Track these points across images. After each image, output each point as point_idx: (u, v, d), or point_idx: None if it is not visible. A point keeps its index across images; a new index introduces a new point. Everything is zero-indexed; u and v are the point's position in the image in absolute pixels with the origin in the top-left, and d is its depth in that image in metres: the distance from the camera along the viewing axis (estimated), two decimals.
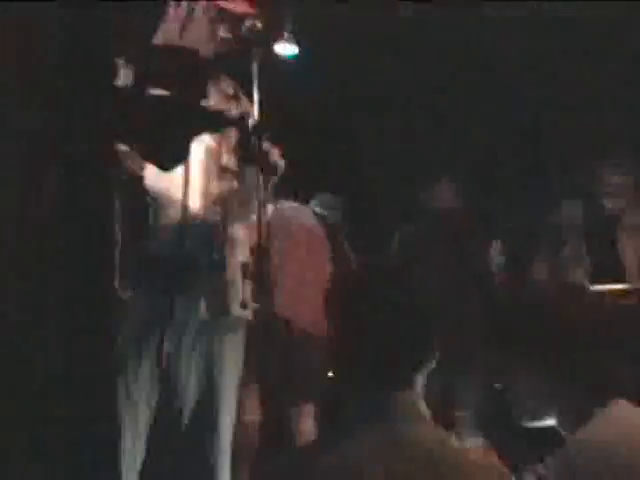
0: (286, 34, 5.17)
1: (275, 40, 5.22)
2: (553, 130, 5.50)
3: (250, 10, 2.49)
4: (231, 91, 2.57)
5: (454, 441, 1.58)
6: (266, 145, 2.30)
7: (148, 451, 2.35)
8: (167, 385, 2.39)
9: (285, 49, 5.24)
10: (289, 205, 4.09)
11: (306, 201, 4.45)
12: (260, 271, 2.11)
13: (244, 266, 2.40)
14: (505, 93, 5.81)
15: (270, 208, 3.94)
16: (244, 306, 2.40)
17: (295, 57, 5.29)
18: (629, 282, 3.81)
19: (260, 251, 2.13)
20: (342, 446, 1.51)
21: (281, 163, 2.45)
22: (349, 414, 1.58)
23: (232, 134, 2.43)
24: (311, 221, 4.12)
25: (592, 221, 3.90)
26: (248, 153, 2.28)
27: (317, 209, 4.37)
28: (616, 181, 3.80)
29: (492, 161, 6.02)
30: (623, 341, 1.71)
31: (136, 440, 2.31)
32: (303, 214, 4.14)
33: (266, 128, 2.27)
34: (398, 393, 1.56)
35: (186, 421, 2.42)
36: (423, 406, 1.58)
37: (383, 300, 1.60)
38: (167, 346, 2.37)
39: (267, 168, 2.27)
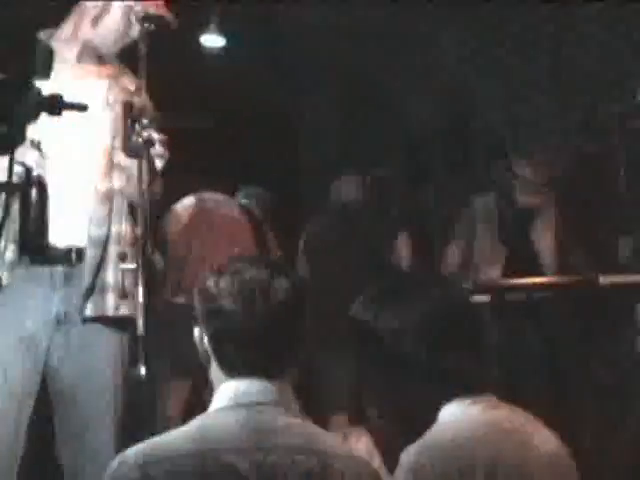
0: (212, 25, 5.15)
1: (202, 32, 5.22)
2: (472, 122, 5.60)
3: (166, 14, 2.51)
4: (132, 87, 2.56)
5: (325, 433, 1.60)
6: (150, 136, 2.28)
7: (28, 446, 2.35)
8: (46, 381, 2.39)
9: (211, 41, 5.23)
10: (212, 196, 4.08)
11: (232, 193, 4.44)
12: (141, 262, 2.11)
13: (121, 255, 2.41)
14: (427, 85, 5.89)
15: (192, 200, 3.97)
16: (123, 296, 2.40)
17: (221, 49, 5.29)
18: (546, 275, 3.90)
19: (142, 243, 2.12)
20: (203, 431, 1.52)
21: (165, 154, 2.49)
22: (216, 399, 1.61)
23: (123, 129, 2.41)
24: (235, 213, 4.11)
25: (506, 214, 3.96)
26: (132, 146, 2.27)
27: (243, 201, 4.36)
28: (531, 177, 3.87)
29: (412, 153, 6.10)
30: (475, 340, 1.73)
31: (14, 434, 2.32)
32: (227, 206, 4.12)
33: (152, 120, 2.26)
34: (266, 382, 1.58)
35: (65, 419, 2.41)
36: (294, 400, 1.60)
37: (257, 290, 1.62)
38: (47, 340, 2.37)
39: (149, 160, 2.25)
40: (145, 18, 2.40)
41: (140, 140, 2.18)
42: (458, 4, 5.27)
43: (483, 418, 1.64)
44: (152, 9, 2.47)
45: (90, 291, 2.39)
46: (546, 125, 5.09)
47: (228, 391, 1.59)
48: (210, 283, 1.65)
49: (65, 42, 2.60)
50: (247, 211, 4.22)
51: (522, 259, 3.94)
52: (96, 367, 2.41)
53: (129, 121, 2.27)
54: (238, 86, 5.85)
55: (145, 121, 2.23)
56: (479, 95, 5.51)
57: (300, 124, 6.91)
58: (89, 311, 2.39)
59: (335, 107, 6.42)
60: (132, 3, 2.47)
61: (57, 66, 2.55)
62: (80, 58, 2.60)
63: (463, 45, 5.61)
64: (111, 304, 2.40)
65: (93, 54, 2.61)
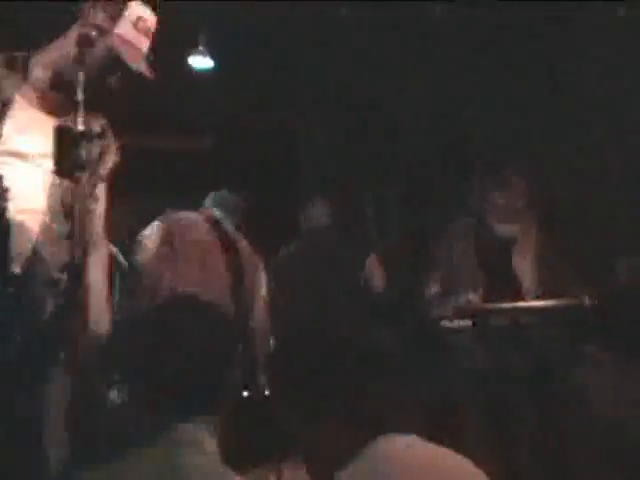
0: (200, 47, 5.15)
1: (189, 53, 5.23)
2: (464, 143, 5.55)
3: (147, 73, 2.50)
4: (98, 129, 2.51)
5: (234, 476, 1.57)
6: (88, 187, 2.25)
7: None
8: None
9: (198, 62, 5.23)
10: (181, 217, 3.93)
11: (201, 199, 4.22)
12: (70, 288, 2.09)
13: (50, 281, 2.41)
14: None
15: (159, 228, 3.83)
16: None
17: (208, 70, 5.28)
18: (526, 300, 3.81)
19: (71, 269, 2.10)
20: (118, 463, 1.54)
21: (98, 195, 2.49)
22: (129, 435, 1.62)
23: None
24: (205, 235, 3.93)
25: (485, 239, 3.87)
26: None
27: (216, 212, 4.09)
28: (502, 203, 3.77)
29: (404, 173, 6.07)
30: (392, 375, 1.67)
31: None
32: (196, 228, 3.94)
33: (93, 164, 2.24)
34: (184, 421, 1.57)
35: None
36: (211, 441, 1.58)
37: (175, 332, 1.63)
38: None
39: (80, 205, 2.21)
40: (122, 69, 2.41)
41: (78, 162, 2.16)
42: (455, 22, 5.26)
43: (404, 459, 1.58)
44: (134, 65, 2.46)
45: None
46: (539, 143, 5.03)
47: (145, 427, 1.59)
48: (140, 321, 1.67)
49: (42, 68, 2.59)
50: (218, 228, 4.01)
51: (503, 283, 3.86)
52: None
53: (64, 144, 2.26)
54: (230, 106, 5.83)
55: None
56: (472, 115, 5.47)
57: (297, 142, 6.89)
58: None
59: (330, 125, 6.39)
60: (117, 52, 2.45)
61: (28, 94, 2.56)
62: (53, 86, 2.58)
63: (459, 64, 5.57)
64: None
65: (66, 86, 2.59)
